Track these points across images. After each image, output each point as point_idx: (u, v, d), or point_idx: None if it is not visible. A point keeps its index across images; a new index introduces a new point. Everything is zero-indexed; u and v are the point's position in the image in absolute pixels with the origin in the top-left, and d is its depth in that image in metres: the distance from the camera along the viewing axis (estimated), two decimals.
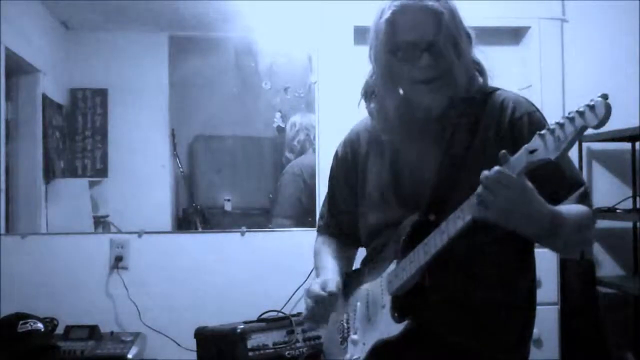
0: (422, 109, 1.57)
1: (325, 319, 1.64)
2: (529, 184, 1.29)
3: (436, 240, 1.39)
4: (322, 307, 1.58)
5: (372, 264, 1.66)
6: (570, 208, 1.43)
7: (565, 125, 1.15)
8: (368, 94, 1.66)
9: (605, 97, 1.11)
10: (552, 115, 1.18)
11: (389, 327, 1.50)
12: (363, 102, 1.68)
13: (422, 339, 1.49)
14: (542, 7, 3.40)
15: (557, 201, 1.43)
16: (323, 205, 1.87)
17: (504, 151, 1.28)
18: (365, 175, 1.69)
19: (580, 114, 1.13)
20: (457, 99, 1.53)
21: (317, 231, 1.87)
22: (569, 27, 3.41)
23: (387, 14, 1.50)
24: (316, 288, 1.59)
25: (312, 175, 3.47)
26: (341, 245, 1.81)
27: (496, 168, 1.26)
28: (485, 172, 1.27)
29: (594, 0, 3.40)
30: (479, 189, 1.29)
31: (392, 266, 1.54)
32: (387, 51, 1.52)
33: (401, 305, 1.50)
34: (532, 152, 1.22)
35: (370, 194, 1.67)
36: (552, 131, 1.18)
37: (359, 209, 1.72)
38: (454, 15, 1.50)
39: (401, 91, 1.57)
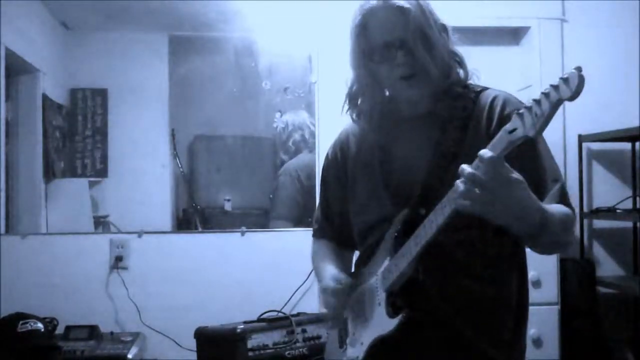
0: (407, 105, 1.61)
1: (343, 313, 1.66)
2: (515, 175, 1.27)
3: (426, 231, 1.39)
4: (341, 299, 1.62)
5: (367, 264, 1.66)
6: (554, 207, 1.42)
7: (542, 101, 1.14)
8: (351, 105, 1.69)
9: (579, 69, 1.12)
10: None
11: (383, 323, 1.51)
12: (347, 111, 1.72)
13: (416, 333, 1.49)
14: (542, 7, 3.40)
15: (538, 196, 1.40)
16: (317, 209, 1.87)
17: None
18: (355, 175, 1.70)
19: (555, 87, 1.12)
20: (442, 94, 1.57)
21: (313, 236, 1.87)
22: (569, 27, 3.41)
23: (358, 19, 1.54)
24: (330, 283, 1.62)
25: (309, 176, 3.44)
26: (338, 250, 1.80)
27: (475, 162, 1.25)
28: (464, 166, 1.26)
29: (594, 0, 3.40)
30: (459, 182, 1.28)
31: (386, 263, 1.54)
32: (364, 55, 1.56)
33: (395, 300, 1.51)
34: (511, 132, 1.20)
35: (362, 193, 1.67)
36: (529, 109, 1.16)
37: (351, 210, 1.71)
38: (422, 10, 1.52)
39: (386, 92, 1.63)
